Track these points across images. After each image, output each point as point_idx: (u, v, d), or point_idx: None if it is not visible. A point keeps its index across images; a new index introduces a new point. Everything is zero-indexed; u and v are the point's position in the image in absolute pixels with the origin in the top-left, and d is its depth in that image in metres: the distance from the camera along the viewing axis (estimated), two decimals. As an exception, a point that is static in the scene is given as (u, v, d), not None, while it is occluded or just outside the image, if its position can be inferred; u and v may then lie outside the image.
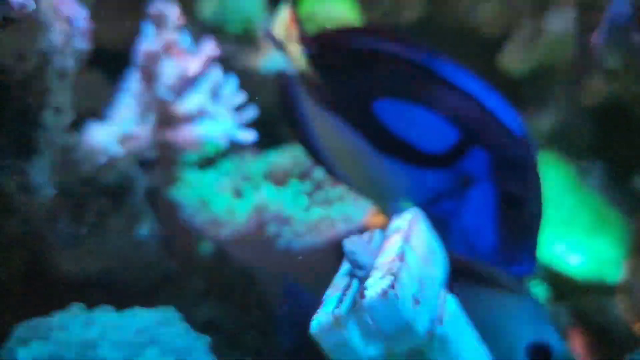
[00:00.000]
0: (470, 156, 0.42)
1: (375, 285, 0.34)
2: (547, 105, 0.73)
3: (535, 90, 0.73)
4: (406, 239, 0.38)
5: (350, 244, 0.37)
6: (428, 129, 0.42)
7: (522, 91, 0.73)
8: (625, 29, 0.57)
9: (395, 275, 0.34)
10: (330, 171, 0.49)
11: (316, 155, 0.49)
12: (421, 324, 0.34)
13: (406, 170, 0.44)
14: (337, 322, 0.34)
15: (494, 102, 0.41)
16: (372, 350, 0.35)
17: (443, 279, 0.40)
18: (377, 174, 0.45)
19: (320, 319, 0.34)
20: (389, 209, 0.45)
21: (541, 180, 0.42)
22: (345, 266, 0.39)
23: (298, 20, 0.46)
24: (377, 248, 0.40)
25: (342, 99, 0.45)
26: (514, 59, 0.70)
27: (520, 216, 0.42)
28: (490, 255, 0.42)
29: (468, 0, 0.70)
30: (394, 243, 0.38)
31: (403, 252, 0.36)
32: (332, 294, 0.36)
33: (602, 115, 0.72)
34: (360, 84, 0.44)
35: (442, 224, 0.43)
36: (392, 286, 0.33)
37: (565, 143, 0.72)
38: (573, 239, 0.64)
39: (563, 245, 0.64)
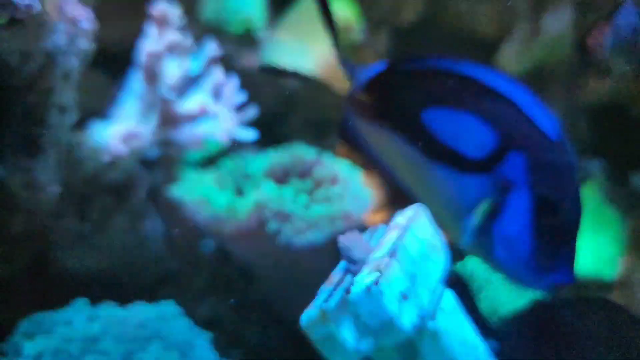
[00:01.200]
0: (508, 161, 0.41)
1: (361, 281, 0.34)
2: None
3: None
4: (401, 235, 0.38)
5: (345, 240, 0.37)
6: (470, 135, 0.43)
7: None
8: (633, 40, 0.57)
9: (381, 272, 0.34)
10: (402, 188, 0.50)
11: (386, 176, 0.51)
12: (407, 320, 0.34)
13: (453, 176, 0.44)
14: (324, 316, 0.34)
15: (531, 105, 0.41)
16: (361, 344, 0.35)
17: (441, 274, 0.40)
18: (431, 183, 0.46)
19: (309, 313, 0.35)
20: (457, 228, 0.44)
21: (579, 186, 0.41)
22: (342, 261, 0.40)
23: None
24: (376, 243, 0.40)
25: (393, 113, 0.47)
26: (512, 60, 0.70)
27: (557, 222, 0.41)
28: (528, 263, 0.41)
29: (466, 2, 0.71)
30: (389, 239, 0.38)
31: (395, 248, 0.36)
32: (325, 287, 0.37)
33: (599, 115, 0.72)
34: (410, 97, 0.46)
35: (483, 232, 0.43)
36: (376, 282, 0.33)
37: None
38: None
39: None
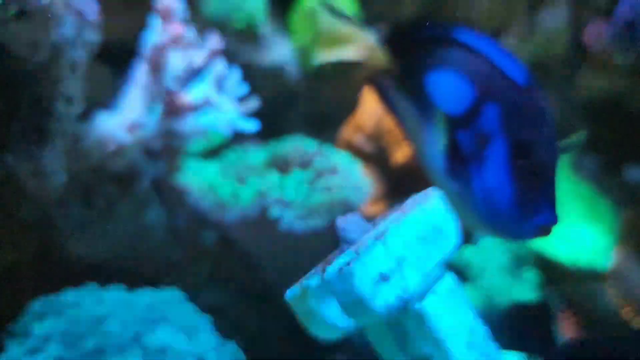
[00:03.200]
0: (484, 113, 0.43)
1: (337, 261, 0.35)
2: None
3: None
4: (397, 218, 0.38)
5: (343, 222, 0.38)
6: (453, 92, 0.44)
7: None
8: (630, 34, 0.57)
9: (358, 253, 0.35)
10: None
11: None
12: (382, 301, 0.35)
13: (440, 135, 0.45)
14: (305, 293, 0.36)
15: (500, 57, 0.43)
16: (339, 321, 0.36)
17: (444, 257, 0.40)
18: (426, 142, 0.48)
19: (293, 289, 0.37)
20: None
21: (553, 127, 0.42)
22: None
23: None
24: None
25: (408, 79, 0.49)
26: None
27: (534, 165, 0.41)
28: (511, 210, 0.42)
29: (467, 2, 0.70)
30: (386, 222, 0.39)
31: (384, 231, 0.37)
32: (318, 266, 0.38)
33: (595, 109, 0.72)
34: (417, 63, 0.49)
35: (467, 186, 0.43)
36: (348, 263, 0.34)
37: (558, 137, 0.74)
38: (565, 228, 0.65)
39: (556, 232, 0.65)
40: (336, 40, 0.65)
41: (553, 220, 0.42)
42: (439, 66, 0.46)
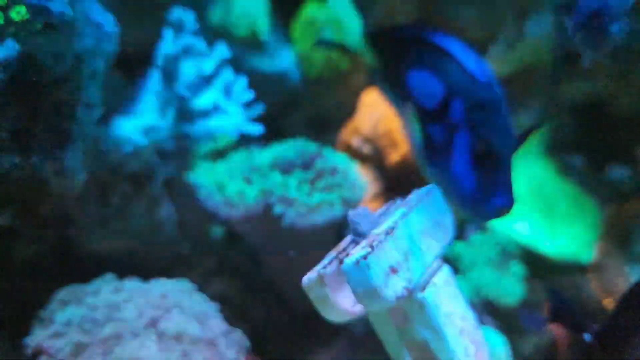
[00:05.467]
0: (452, 107, 0.46)
1: (355, 254, 0.37)
2: (529, 104, 0.75)
3: (518, 90, 0.75)
4: (405, 214, 0.40)
5: (353, 214, 0.40)
6: (427, 89, 0.48)
7: (506, 91, 0.77)
8: (596, 25, 0.53)
9: (373, 248, 0.37)
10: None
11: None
12: (392, 291, 0.37)
13: (420, 128, 0.49)
14: (322, 280, 0.38)
15: (465, 57, 0.46)
16: (351, 307, 0.39)
17: (441, 250, 0.43)
18: (411, 134, 0.51)
19: (310, 276, 0.39)
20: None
21: (509, 120, 0.45)
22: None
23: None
24: (387, 218, 0.42)
25: (393, 77, 0.52)
26: (498, 61, 0.72)
27: (491, 153, 0.44)
28: (473, 194, 0.45)
29: (455, 8, 0.73)
30: (394, 216, 0.41)
31: (394, 226, 0.39)
32: (330, 254, 0.41)
33: (580, 113, 0.75)
34: (401, 62, 0.52)
35: (441, 173, 0.47)
36: (365, 257, 0.36)
37: (546, 138, 0.75)
38: (551, 223, 0.68)
39: (542, 228, 0.68)
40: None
41: (509, 202, 0.45)
42: (416, 65, 0.49)
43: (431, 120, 0.48)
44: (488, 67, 0.46)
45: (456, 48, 0.47)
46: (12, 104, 0.49)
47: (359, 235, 0.40)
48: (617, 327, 0.46)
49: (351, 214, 0.41)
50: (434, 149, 0.47)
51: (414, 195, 0.43)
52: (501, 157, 0.45)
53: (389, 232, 0.39)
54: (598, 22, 0.52)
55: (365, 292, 0.37)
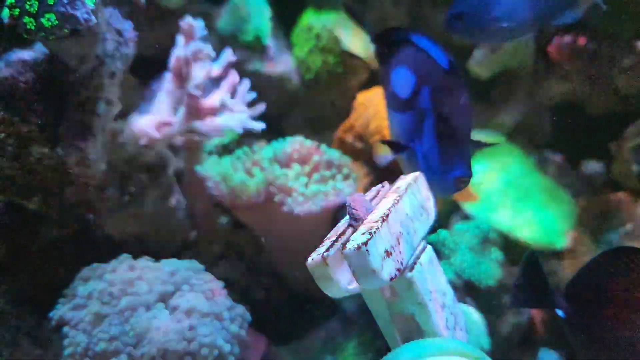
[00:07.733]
0: (422, 94, 0.51)
1: (356, 239, 0.39)
2: (510, 104, 0.78)
3: (500, 91, 0.79)
4: (397, 200, 0.43)
5: (351, 200, 0.43)
6: (404, 80, 0.53)
7: (489, 92, 0.79)
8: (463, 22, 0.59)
9: (372, 234, 0.39)
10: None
11: None
12: (387, 273, 0.40)
13: (399, 117, 0.54)
14: (325, 261, 0.40)
15: (434, 51, 0.52)
16: (350, 286, 0.42)
17: (425, 232, 0.45)
18: (393, 123, 0.56)
19: (314, 257, 0.41)
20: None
21: (468, 104, 0.50)
22: (346, 216, 0.45)
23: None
24: (377, 202, 0.44)
25: (387, 75, 0.57)
26: (482, 64, 0.76)
27: (451, 133, 0.49)
28: (437, 169, 0.50)
29: (440, 14, 0.75)
30: (386, 203, 0.43)
31: (389, 213, 0.41)
32: (330, 236, 0.43)
33: (557, 113, 0.78)
34: (386, 60, 0.57)
35: (414, 154, 0.51)
36: (365, 243, 0.38)
37: (526, 136, 0.79)
38: (528, 213, 0.71)
39: (520, 218, 0.70)
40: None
41: (467, 173, 0.49)
42: (397, 62, 0.55)
43: (406, 107, 0.52)
44: (453, 60, 0.51)
45: (428, 45, 0.52)
46: (40, 101, 0.51)
47: (356, 220, 0.42)
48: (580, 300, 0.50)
49: (349, 199, 0.43)
50: (407, 133, 0.52)
51: (402, 182, 0.46)
52: (460, 135, 0.49)
53: (384, 218, 0.41)
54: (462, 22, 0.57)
55: (365, 274, 0.39)
